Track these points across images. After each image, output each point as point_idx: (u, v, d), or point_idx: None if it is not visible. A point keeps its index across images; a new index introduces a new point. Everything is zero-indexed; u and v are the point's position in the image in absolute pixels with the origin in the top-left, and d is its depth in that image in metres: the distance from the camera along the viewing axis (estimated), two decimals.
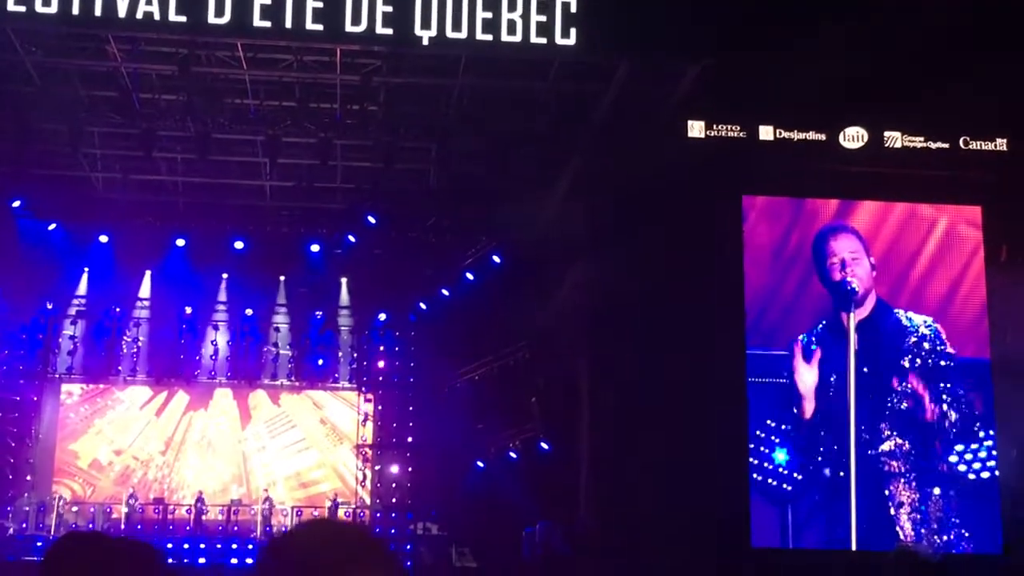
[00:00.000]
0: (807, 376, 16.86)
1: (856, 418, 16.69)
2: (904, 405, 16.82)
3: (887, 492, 16.63)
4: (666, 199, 16.17)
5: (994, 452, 16.84)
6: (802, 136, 16.95)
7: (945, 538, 16.62)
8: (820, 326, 17.00)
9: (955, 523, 16.71)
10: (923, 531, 16.54)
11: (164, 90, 17.81)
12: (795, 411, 16.81)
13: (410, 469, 24.21)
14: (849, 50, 15.58)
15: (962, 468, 16.80)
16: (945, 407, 16.87)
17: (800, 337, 16.97)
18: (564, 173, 19.20)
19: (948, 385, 16.93)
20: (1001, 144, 17.11)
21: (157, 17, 14.86)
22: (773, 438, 16.74)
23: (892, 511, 16.60)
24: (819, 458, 16.77)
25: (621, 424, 16.89)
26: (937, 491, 16.69)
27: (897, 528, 16.54)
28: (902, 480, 16.65)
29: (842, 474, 16.64)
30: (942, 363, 16.96)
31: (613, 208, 17.04)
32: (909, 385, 16.87)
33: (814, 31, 15.37)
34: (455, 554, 20.63)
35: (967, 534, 16.70)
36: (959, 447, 16.86)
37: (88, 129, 18.80)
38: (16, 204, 21.63)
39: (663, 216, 16.15)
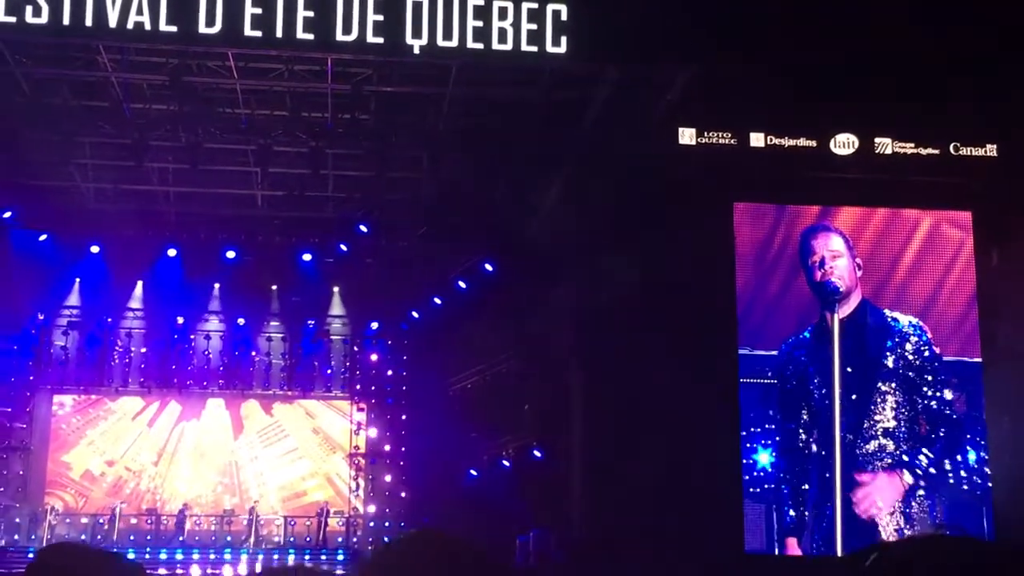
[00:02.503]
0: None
1: (841, 418, 16.67)
2: (890, 405, 16.80)
3: None
4: (657, 206, 16.19)
5: (983, 455, 16.84)
6: (793, 142, 16.96)
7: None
8: (809, 327, 17.01)
9: (939, 526, 16.69)
10: (907, 533, 16.53)
11: (155, 100, 17.80)
12: (780, 412, 16.81)
13: (403, 478, 24.19)
14: (839, 56, 15.64)
15: (947, 468, 16.80)
16: (932, 407, 16.86)
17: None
18: (555, 181, 19.22)
19: (934, 385, 16.91)
20: (992, 150, 17.16)
21: (148, 27, 14.84)
22: (748, 444, 16.73)
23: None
24: (804, 459, 16.76)
25: (614, 430, 16.89)
26: (921, 493, 16.69)
27: (879, 529, 16.52)
28: None
29: (827, 475, 16.64)
30: (928, 363, 16.94)
31: (604, 215, 17.06)
32: (894, 385, 16.86)
33: (804, 38, 15.43)
34: None
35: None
36: (945, 448, 16.84)
37: (79, 139, 18.76)
38: (7, 215, 21.61)
39: (655, 223, 16.17)
